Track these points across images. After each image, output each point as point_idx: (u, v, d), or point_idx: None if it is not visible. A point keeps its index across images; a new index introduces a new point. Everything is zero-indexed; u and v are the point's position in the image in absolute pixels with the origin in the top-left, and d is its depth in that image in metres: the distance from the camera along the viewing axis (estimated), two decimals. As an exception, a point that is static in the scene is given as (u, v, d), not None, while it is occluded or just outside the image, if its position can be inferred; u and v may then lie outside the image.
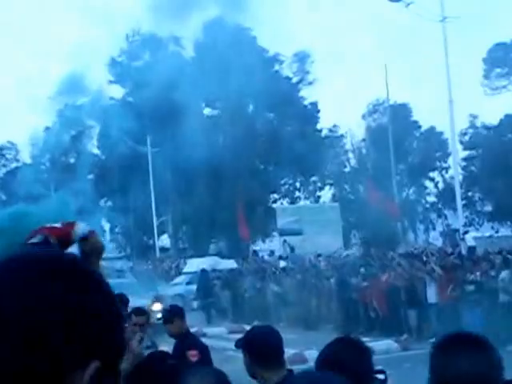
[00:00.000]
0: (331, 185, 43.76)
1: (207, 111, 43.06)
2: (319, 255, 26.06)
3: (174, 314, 6.39)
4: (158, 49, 42.03)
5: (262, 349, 3.54)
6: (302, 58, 42.45)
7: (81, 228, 2.82)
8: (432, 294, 20.98)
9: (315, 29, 60.26)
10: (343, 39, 55.77)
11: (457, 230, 30.91)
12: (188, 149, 36.28)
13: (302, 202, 42.53)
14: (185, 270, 28.00)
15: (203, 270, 25.85)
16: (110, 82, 42.71)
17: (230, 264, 28.26)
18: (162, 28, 41.18)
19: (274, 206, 39.89)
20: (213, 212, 36.40)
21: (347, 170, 44.27)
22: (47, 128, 44.30)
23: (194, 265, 27.84)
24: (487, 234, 33.49)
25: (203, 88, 37.99)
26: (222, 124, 39.45)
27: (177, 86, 38.02)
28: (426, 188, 43.54)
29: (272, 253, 29.71)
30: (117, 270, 31.77)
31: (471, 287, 21.86)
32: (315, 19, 57.49)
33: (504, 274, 21.69)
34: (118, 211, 37.82)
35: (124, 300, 6.41)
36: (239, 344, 3.66)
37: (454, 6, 32.89)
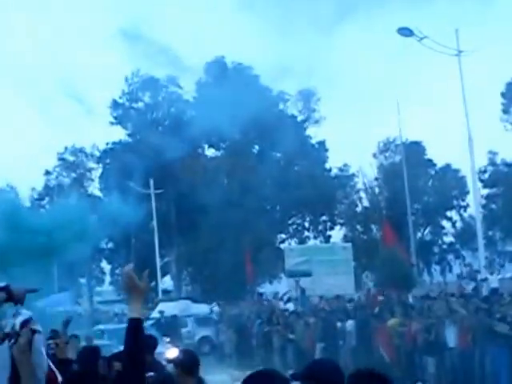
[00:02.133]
0: (342, 224, 42.02)
1: (211, 152, 42.04)
2: (321, 297, 24.44)
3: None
4: (158, 90, 41.40)
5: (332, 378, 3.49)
6: (306, 96, 41.38)
7: None
8: (452, 338, 19.19)
9: (325, 65, 59.16)
10: (353, 75, 54.61)
11: (478, 271, 29.06)
12: (193, 190, 35.05)
13: (311, 242, 40.86)
14: (152, 315, 25.92)
15: (173, 316, 24.29)
16: (112, 123, 41.93)
17: (202, 308, 26.77)
18: (164, 69, 40.67)
19: (282, 246, 38.34)
20: (218, 253, 34.78)
21: (359, 209, 42.54)
22: (47, 172, 43.52)
23: (164, 309, 25.91)
24: (509, 276, 31.42)
25: (206, 129, 37.05)
26: (226, 165, 38.28)
27: (179, 127, 37.06)
28: (442, 228, 41.59)
29: (276, 295, 28.02)
30: (115, 313, 30.07)
31: (500, 330, 20.02)
32: (324, 55, 56.41)
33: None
34: (120, 252, 36.48)
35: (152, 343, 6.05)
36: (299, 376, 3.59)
37: (470, 39, 31.69)
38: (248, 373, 3.50)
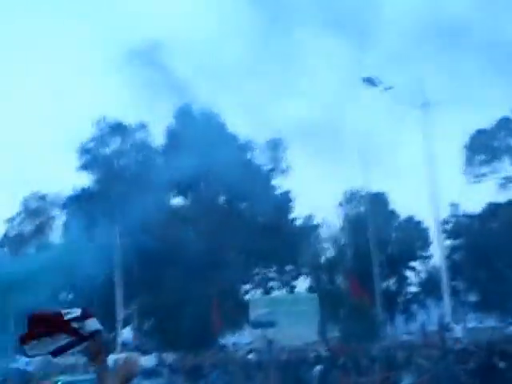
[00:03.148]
0: (307, 274, 41.88)
1: (177, 201, 41.76)
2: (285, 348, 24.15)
3: None
4: (126, 136, 41.28)
5: None
6: (274, 146, 41.62)
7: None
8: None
9: (289, 114, 59.82)
10: (318, 125, 55.12)
11: (443, 322, 29.15)
12: (157, 239, 34.66)
13: (276, 292, 40.53)
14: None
15: None
16: (78, 169, 41.46)
17: (150, 360, 26.16)
18: (131, 115, 40.63)
19: (247, 297, 37.95)
20: (181, 305, 34.21)
21: (324, 259, 42.51)
22: (9, 219, 42.70)
23: (111, 361, 25.04)
24: (472, 326, 31.57)
25: (173, 177, 36.93)
26: (192, 214, 38.03)
27: (145, 175, 36.90)
28: (406, 278, 41.73)
29: (235, 345, 27.55)
30: (70, 364, 29.11)
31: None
32: (289, 105, 57.00)
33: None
34: (81, 304, 35.49)
35: None
36: None
37: (435, 91, 32.30)
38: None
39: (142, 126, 41.33)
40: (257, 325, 30.06)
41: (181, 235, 35.20)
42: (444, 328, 27.15)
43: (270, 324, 29.53)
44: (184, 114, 40.59)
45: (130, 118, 41.24)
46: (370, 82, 30.15)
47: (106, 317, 35.81)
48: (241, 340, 29.01)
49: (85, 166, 41.17)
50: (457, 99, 43.02)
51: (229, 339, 30.27)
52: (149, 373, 25.87)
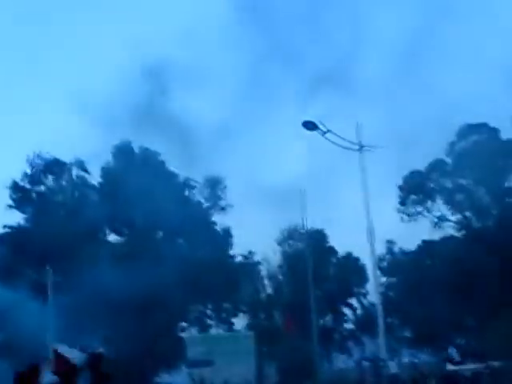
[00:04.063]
0: (245, 312, 41.71)
1: (113, 238, 41.16)
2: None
3: None
4: (61, 173, 40.68)
5: None
6: (213, 184, 41.71)
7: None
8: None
9: (228, 154, 60.25)
10: (259, 164, 55.73)
11: (377, 358, 29.35)
12: (90, 278, 34.04)
13: (213, 330, 40.15)
14: None
15: None
16: (10, 206, 40.43)
17: None
18: (67, 152, 40.10)
19: (183, 335, 37.42)
20: (115, 343, 33.43)
21: (263, 296, 42.50)
22: None
23: None
24: (407, 360, 31.99)
25: (110, 214, 36.50)
26: (128, 251, 37.49)
27: (82, 212, 36.37)
28: (344, 315, 42.08)
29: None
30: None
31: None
32: (228, 145, 57.47)
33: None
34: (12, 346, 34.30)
35: None
36: None
37: (371, 135, 33.24)
38: None
39: (79, 163, 40.83)
40: (193, 364, 29.73)
41: (117, 271, 34.62)
42: (379, 363, 27.39)
43: (207, 363, 29.25)
44: (122, 152, 40.39)
45: (65, 155, 40.71)
46: (309, 125, 30.95)
47: (32, 351, 34.75)
48: (177, 380, 28.55)
49: (17, 203, 40.29)
50: (394, 142, 44.56)
51: (166, 379, 29.73)
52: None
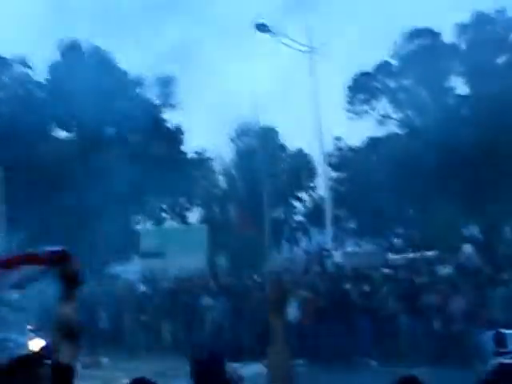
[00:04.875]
0: (199, 206, 43.19)
1: (62, 135, 41.13)
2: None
3: None
4: (5, 69, 39.94)
5: None
6: (165, 82, 41.68)
7: None
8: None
9: (182, 52, 59.80)
10: (210, 64, 55.88)
11: (323, 248, 31.03)
12: (43, 176, 34.36)
13: (167, 223, 41.60)
14: None
15: None
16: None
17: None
18: (7, 47, 39.28)
19: (138, 227, 38.72)
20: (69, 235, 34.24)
21: (216, 191, 43.90)
22: None
23: None
24: (350, 250, 33.99)
25: (58, 111, 36.37)
26: (78, 147, 37.68)
27: (28, 108, 36.19)
28: (294, 208, 44.00)
29: (118, 276, 28.35)
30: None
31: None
32: (183, 43, 56.96)
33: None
34: None
35: None
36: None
37: (323, 36, 33.66)
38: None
39: (21, 60, 39.97)
40: (145, 255, 31.06)
41: (68, 169, 35.01)
42: (323, 253, 29.11)
43: (159, 255, 30.56)
44: (69, 48, 39.78)
45: (8, 52, 39.86)
46: (262, 28, 31.24)
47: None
48: (128, 269, 29.88)
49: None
50: (343, 45, 45.05)
51: (118, 269, 30.96)
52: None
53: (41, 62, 40.60)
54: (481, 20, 36.88)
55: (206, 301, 23.90)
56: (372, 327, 21.29)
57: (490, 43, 34.80)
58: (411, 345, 20.36)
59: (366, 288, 22.75)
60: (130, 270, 29.41)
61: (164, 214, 42.66)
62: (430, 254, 28.87)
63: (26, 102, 37.37)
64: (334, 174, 40.90)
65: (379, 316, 21.44)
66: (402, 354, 19.87)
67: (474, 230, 35.33)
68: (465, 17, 37.32)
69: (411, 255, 30.91)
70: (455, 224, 33.92)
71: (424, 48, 37.35)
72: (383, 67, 39.67)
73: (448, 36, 38.26)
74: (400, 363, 18.28)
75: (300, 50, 31.72)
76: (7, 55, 40.06)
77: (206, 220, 40.78)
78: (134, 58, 51.47)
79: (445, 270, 25.39)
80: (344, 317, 21.23)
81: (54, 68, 40.17)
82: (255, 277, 25.21)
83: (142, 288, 26.31)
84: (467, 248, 30.83)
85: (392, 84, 39.90)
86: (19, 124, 33.79)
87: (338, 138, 41.59)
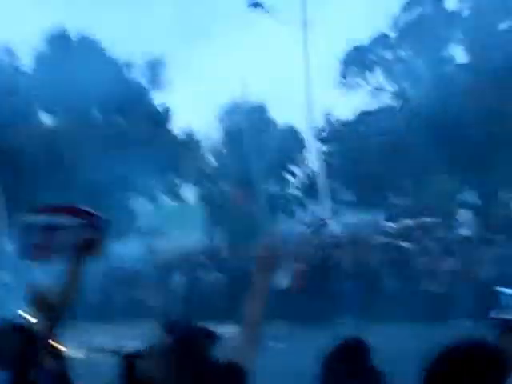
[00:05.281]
0: (194, 184, 43.21)
1: (49, 120, 40.71)
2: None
3: None
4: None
5: None
6: (153, 64, 41.27)
7: None
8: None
9: (171, 32, 59.42)
10: (198, 41, 55.67)
11: (319, 218, 31.09)
12: (29, 163, 33.99)
13: (164, 202, 41.50)
14: None
15: None
16: None
17: None
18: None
19: (135, 206, 38.50)
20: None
21: (209, 169, 43.87)
22: None
23: None
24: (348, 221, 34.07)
25: (45, 96, 35.98)
26: (65, 132, 37.30)
27: (14, 92, 35.82)
28: (287, 181, 44.14)
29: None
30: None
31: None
32: (169, 23, 56.56)
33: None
34: None
35: None
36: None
37: (315, 10, 33.35)
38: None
39: (5, 47, 39.41)
40: (143, 234, 31.06)
41: (54, 154, 34.70)
42: (320, 224, 29.18)
43: (157, 233, 30.59)
44: (56, 37, 39.26)
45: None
46: (254, 3, 31.19)
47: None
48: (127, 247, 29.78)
49: None
50: (334, 18, 44.52)
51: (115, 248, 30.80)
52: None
53: (25, 46, 40.01)
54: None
55: (203, 275, 23.93)
56: (360, 291, 21.44)
57: (493, 9, 33.43)
58: (398, 304, 20.42)
59: (360, 255, 22.97)
60: (128, 248, 29.33)
61: (160, 193, 42.40)
62: (427, 220, 28.94)
63: (9, 85, 36.90)
64: (327, 148, 40.80)
65: (369, 280, 21.67)
66: (387, 312, 19.91)
67: (469, 197, 35.44)
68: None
69: (407, 222, 30.93)
70: (451, 190, 34.04)
71: (423, 17, 36.21)
72: (380, 39, 38.55)
73: (449, 3, 36.98)
74: (385, 322, 18.46)
75: (292, 25, 31.55)
76: None
77: (201, 197, 40.80)
78: (120, 38, 50.93)
79: (440, 234, 25.65)
80: (332, 281, 21.47)
81: (39, 55, 39.65)
82: (251, 251, 25.16)
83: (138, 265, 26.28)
84: (463, 213, 30.98)
85: (388, 56, 38.94)
86: (2, 109, 33.45)
87: (329, 113, 41.26)
